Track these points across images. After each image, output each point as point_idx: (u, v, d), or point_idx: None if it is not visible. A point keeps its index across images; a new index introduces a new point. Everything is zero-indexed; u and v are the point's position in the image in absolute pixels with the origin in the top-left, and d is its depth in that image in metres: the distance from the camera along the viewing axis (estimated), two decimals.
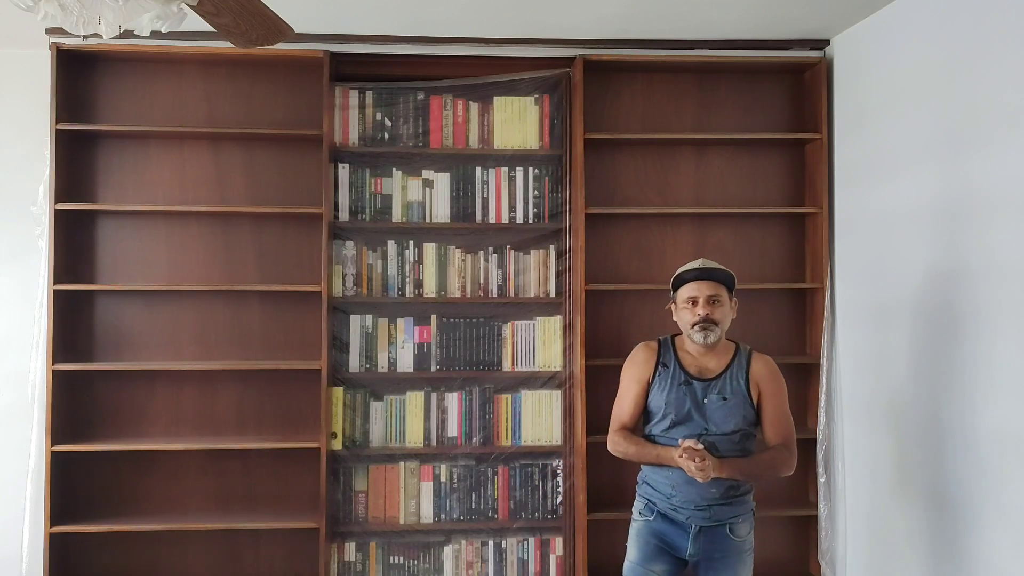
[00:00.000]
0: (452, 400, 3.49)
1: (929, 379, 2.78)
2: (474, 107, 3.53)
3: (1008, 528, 2.42)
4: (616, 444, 2.64)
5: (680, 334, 2.67)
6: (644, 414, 2.67)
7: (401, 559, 3.47)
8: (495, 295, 3.52)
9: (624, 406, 2.67)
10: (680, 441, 2.47)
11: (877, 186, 3.11)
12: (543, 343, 3.52)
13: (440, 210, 3.51)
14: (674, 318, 2.66)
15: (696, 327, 2.55)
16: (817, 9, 3.12)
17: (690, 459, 2.39)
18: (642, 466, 2.69)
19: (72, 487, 3.37)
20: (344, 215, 3.47)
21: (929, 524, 2.78)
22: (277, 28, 2.06)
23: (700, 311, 2.55)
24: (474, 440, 3.49)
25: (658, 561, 2.57)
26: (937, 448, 2.73)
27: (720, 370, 2.60)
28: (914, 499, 2.87)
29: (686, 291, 2.59)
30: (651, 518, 2.60)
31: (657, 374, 2.63)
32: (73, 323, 3.38)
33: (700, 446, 2.42)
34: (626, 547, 2.66)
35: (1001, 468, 2.44)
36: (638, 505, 2.67)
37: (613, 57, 3.46)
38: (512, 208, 3.52)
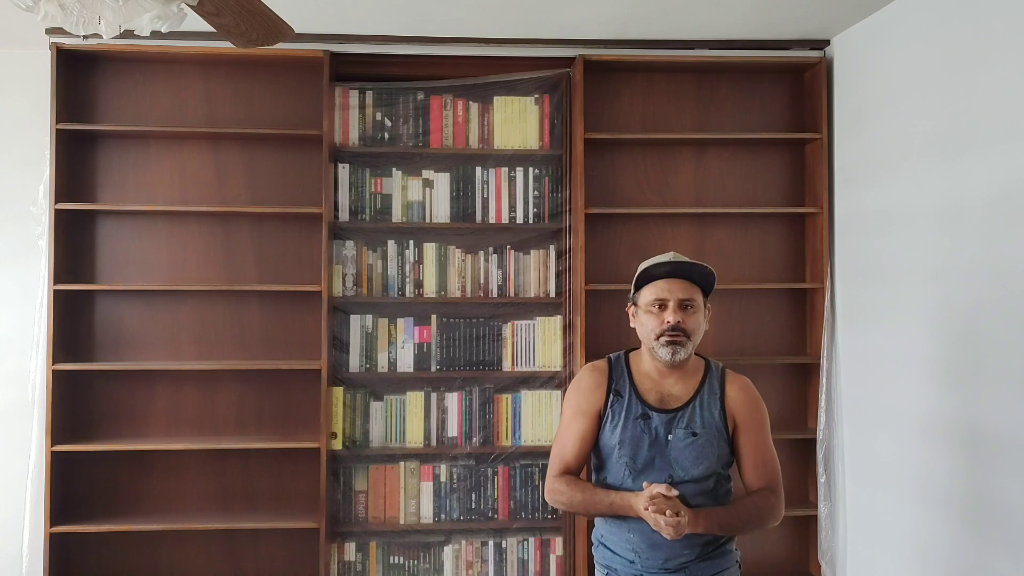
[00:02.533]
0: (452, 400, 3.49)
1: (929, 379, 2.78)
2: (474, 107, 3.53)
3: (1009, 530, 2.42)
4: (557, 493, 2.08)
5: (636, 349, 2.18)
6: (594, 458, 2.16)
7: (401, 559, 3.47)
8: (495, 295, 3.52)
9: (567, 444, 2.11)
10: (645, 485, 1.96)
11: (877, 186, 3.11)
12: (543, 343, 3.52)
13: (440, 210, 3.51)
14: (632, 324, 2.16)
15: (663, 340, 2.03)
16: (817, 9, 3.12)
17: (658, 511, 1.86)
18: (596, 522, 2.18)
19: (72, 487, 3.37)
20: (344, 215, 3.47)
21: (929, 524, 2.78)
22: (277, 28, 2.06)
23: (669, 318, 2.02)
24: (474, 440, 3.49)
25: None
26: (937, 448, 2.73)
27: (688, 397, 2.08)
28: (914, 499, 2.87)
29: (652, 291, 2.07)
30: None
31: (609, 405, 2.09)
32: (73, 323, 3.38)
33: (674, 492, 1.91)
34: None
35: (1002, 470, 2.44)
36: None
37: (613, 57, 3.46)
38: (512, 208, 3.52)
